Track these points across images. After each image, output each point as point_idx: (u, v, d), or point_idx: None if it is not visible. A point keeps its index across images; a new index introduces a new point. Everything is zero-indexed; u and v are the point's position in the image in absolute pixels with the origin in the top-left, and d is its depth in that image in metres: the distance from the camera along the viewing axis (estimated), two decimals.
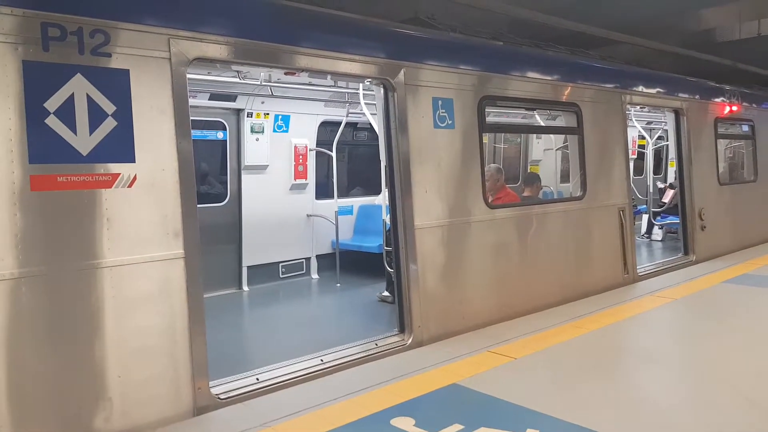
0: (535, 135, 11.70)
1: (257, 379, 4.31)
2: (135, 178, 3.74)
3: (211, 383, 4.05)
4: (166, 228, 3.86)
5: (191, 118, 4.08)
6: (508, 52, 7.09)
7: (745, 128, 11.00)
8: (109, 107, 3.65)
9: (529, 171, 11.25)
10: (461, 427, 3.50)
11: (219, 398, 4.04)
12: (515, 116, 10.23)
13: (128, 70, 3.74)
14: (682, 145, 8.88)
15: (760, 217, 10.83)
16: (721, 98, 9.93)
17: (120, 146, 3.69)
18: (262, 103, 7.84)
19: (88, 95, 3.57)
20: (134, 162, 3.74)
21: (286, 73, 5.97)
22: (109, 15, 3.68)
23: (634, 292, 7.05)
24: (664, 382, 4.42)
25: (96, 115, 3.61)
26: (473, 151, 5.92)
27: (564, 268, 6.80)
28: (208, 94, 7.32)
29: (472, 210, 5.86)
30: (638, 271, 7.80)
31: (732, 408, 3.78)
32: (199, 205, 4.11)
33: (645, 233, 11.81)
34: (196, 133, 7.54)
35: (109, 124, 3.65)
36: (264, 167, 8.11)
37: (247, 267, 7.99)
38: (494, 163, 10.31)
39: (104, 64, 3.65)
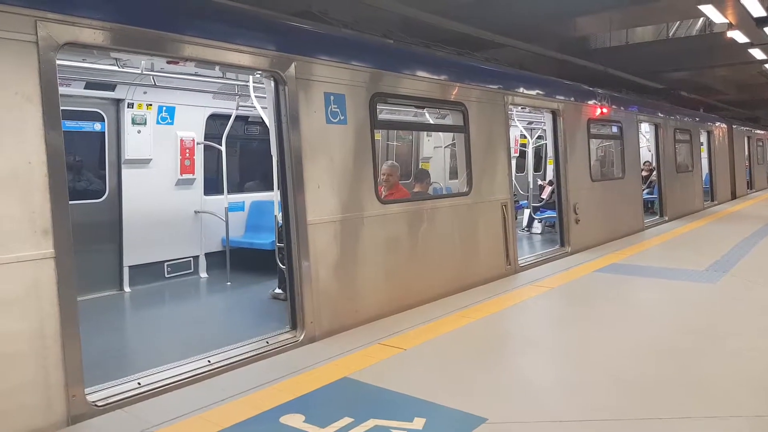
0: (425, 132, 12.01)
1: (139, 383, 4.10)
2: None
3: (87, 390, 3.81)
4: (33, 226, 3.56)
5: (63, 107, 3.79)
6: (400, 50, 7.23)
7: (615, 129, 11.91)
8: None
9: (420, 167, 11.53)
10: (351, 420, 3.52)
11: (96, 406, 3.80)
12: (407, 114, 10.44)
13: None
14: (558, 144, 9.47)
15: (626, 211, 11.82)
16: (594, 101, 10.67)
17: None
18: (145, 93, 7.44)
19: None
20: None
21: (169, 62, 5.71)
22: None
23: (516, 282, 7.44)
24: (543, 366, 4.71)
25: None
26: (366, 147, 5.98)
27: (452, 261, 7.04)
28: (84, 83, 6.84)
29: (364, 205, 5.92)
30: (519, 262, 8.23)
31: (601, 387, 4.08)
32: (73, 202, 3.83)
33: (526, 227, 12.49)
34: (70, 124, 7.06)
35: None
36: (147, 161, 7.70)
37: (129, 267, 7.55)
38: (389, 159, 10.48)
39: None
